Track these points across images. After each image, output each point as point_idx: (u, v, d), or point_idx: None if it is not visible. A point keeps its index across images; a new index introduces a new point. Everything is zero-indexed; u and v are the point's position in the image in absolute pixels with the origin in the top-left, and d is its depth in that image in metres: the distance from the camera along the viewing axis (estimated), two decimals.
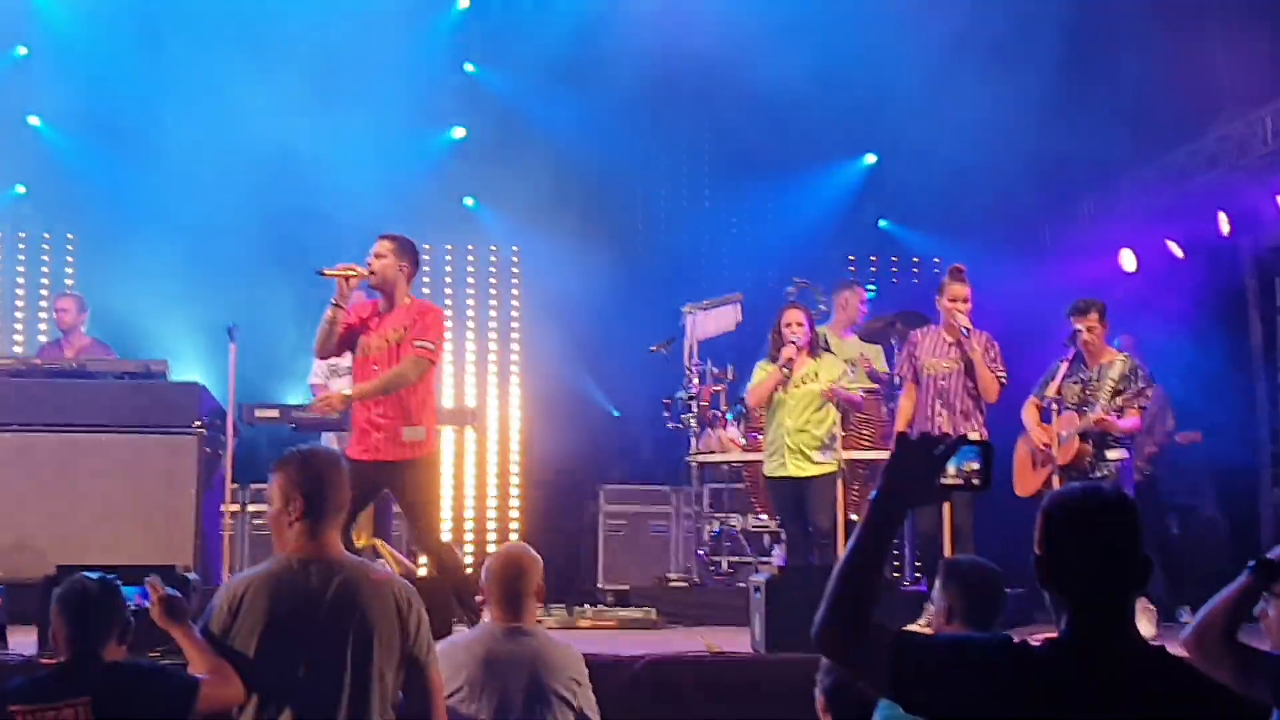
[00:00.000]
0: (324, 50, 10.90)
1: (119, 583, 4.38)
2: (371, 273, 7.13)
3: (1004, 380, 8.44)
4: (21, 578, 7.14)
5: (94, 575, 4.36)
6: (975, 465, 2.83)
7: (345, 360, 9.10)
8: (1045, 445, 8.14)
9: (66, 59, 11.11)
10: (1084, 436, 8.03)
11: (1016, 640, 2.85)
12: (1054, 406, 8.20)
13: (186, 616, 4.32)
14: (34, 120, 11.61)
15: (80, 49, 11.04)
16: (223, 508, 8.76)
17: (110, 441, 8.25)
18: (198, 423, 9.06)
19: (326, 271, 7.08)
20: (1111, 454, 8.06)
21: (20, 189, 11.65)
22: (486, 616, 5.01)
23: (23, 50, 11.44)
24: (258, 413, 8.91)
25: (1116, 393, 7.99)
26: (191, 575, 7.04)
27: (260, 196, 10.82)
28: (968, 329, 8.39)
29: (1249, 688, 3.34)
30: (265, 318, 10.30)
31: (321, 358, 7.50)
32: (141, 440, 8.82)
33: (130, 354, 9.58)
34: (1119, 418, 7.97)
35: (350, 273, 7.07)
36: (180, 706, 4.10)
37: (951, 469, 2.83)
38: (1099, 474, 8.03)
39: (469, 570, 7.33)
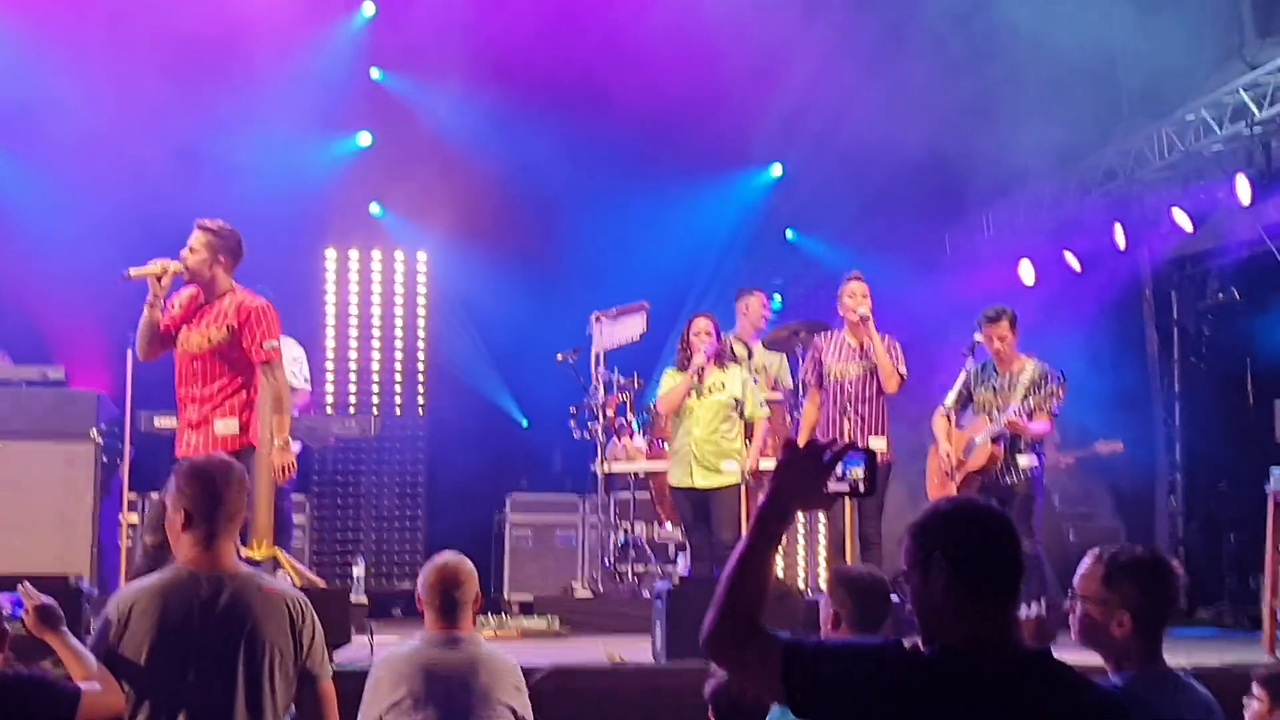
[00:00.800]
0: (230, 54, 10.78)
1: None
2: (186, 268, 6.93)
3: (904, 375, 8.55)
4: None
5: None
6: (860, 472, 2.87)
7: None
8: (948, 457, 8.24)
9: None
10: (995, 440, 8.13)
11: (907, 645, 2.88)
12: (951, 416, 8.34)
13: (62, 623, 4.22)
14: None
15: None
16: (120, 517, 8.62)
17: (6, 449, 8.08)
18: (95, 431, 8.93)
19: (132, 273, 6.86)
20: (1022, 460, 8.17)
21: None
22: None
23: None
24: (157, 421, 8.79)
25: (1027, 397, 8.12)
26: (86, 586, 6.93)
27: (164, 201, 10.66)
28: (867, 316, 8.49)
29: None
30: None
31: (145, 360, 7.24)
32: (38, 448, 8.69)
33: (27, 360, 9.39)
34: (1029, 420, 8.09)
35: (159, 271, 6.85)
36: (61, 716, 3.98)
37: (838, 475, 2.87)
38: (1009, 480, 8.15)
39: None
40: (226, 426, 6.87)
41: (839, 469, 2.87)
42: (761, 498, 2.90)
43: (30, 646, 4.41)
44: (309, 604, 4.29)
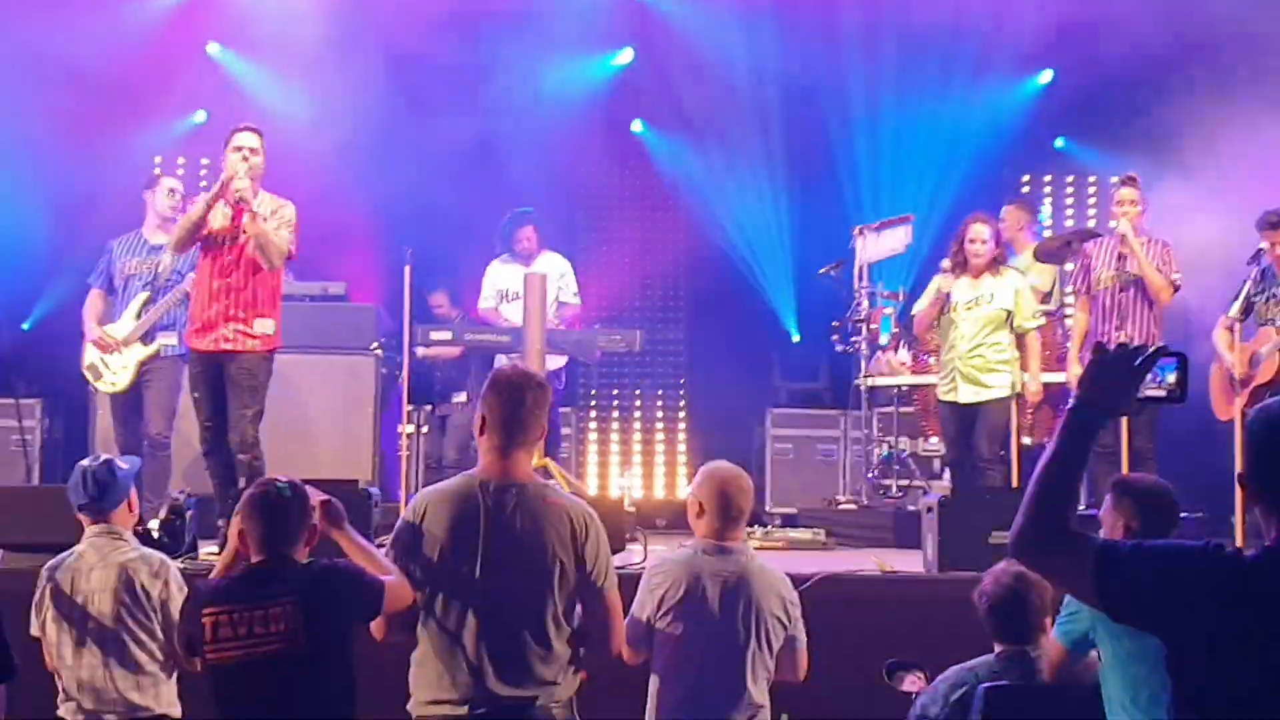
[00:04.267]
0: None
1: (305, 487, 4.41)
2: (251, 168, 7.13)
3: (1177, 283, 8.24)
4: (210, 492, 7.38)
5: (283, 479, 4.40)
6: (1174, 377, 2.82)
7: (515, 285, 9.26)
8: (1233, 369, 7.92)
9: None
10: None
11: (1230, 548, 2.78)
12: (1236, 327, 8.00)
13: (345, 520, 4.41)
14: (214, 49, 11.86)
15: None
16: (399, 428, 8.95)
17: (292, 362, 8.33)
18: (375, 344, 9.27)
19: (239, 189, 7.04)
20: None
21: (200, 116, 11.90)
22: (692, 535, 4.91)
23: None
24: (431, 334, 9.09)
25: None
26: (374, 490, 7.25)
27: (433, 121, 10.95)
28: (1125, 232, 8.19)
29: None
30: (439, 241, 10.45)
31: (178, 251, 7.58)
32: (322, 361, 9.07)
33: (308, 277, 9.76)
34: None
35: (245, 184, 7.06)
36: (373, 606, 4.18)
37: (1150, 380, 2.82)
38: None
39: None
40: (264, 325, 7.15)
41: (1150, 376, 2.82)
42: (1070, 401, 2.85)
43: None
44: (594, 517, 4.33)
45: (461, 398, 10.08)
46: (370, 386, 9.21)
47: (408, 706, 4.26)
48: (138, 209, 8.66)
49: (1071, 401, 2.86)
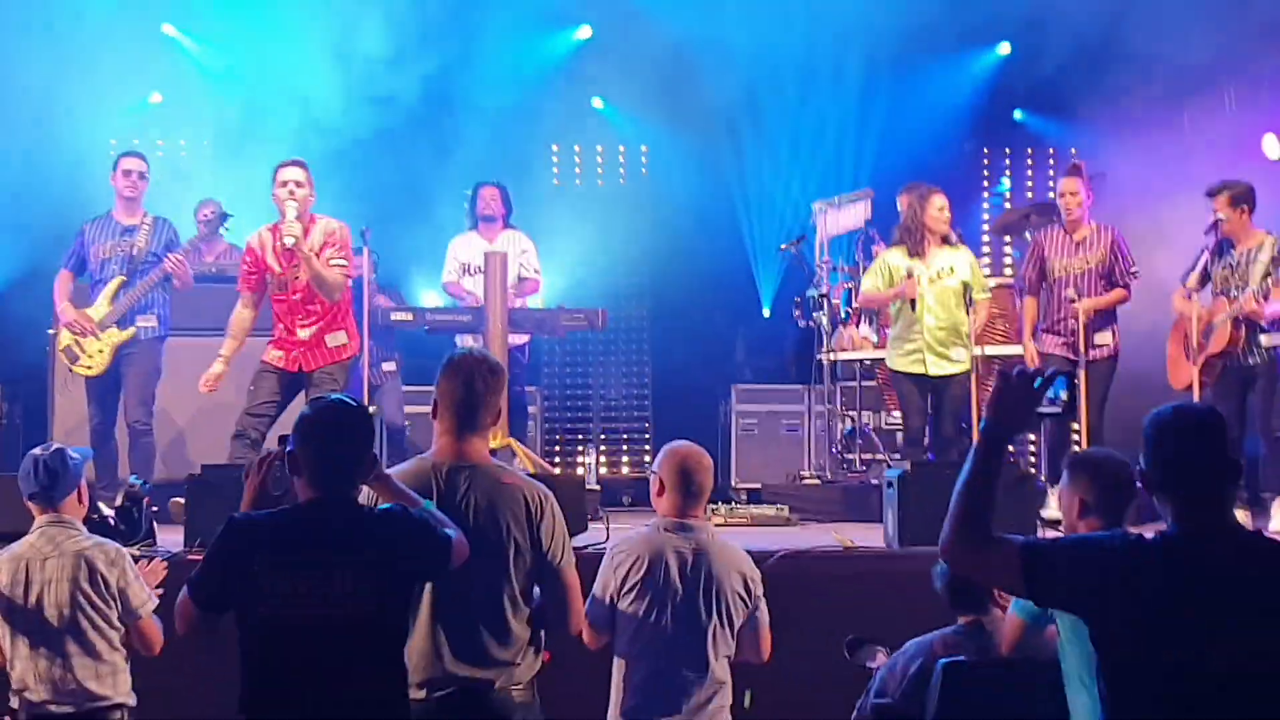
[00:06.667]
0: None
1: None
2: (301, 206, 7.42)
3: (1133, 276, 8.31)
4: (168, 478, 7.34)
5: (337, 396, 3.84)
6: (1065, 394, 3.24)
7: (478, 259, 9.21)
8: (1201, 319, 7.92)
9: None
10: (1235, 322, 7.81)
11: (1133, 535, 3.27)
12: (1194, 297, 8.02)
13: (377, 466, 3.95)
14: (169, 29, 11.73)
15: None
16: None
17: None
18: None
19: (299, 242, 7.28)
20: (1265, 339, 7.84)
21: (156, 97, 11.78)
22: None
23: None
24: (393, 315, 9.03)
25: (1266, 276, 7.77)
26: None
27: (392, 100, 10.85)
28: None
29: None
30: (399, 219, 10.39)
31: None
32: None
33: None
34: (1267, 300, 7.75)
35: (295, 229, 7.32)
36: (443, 563, 3.85)
37: (1047, 398, 3.23)
38: (1252, 360, 7.83)
39: None
40: (335, 339, 7.58)
41: (1047, 393, 3.24)
42: (981, 426, 3.28)
43: None
44: (550, 496, 4.30)
45: (391, 366, 10.08)
46: None
47: None
48: (86, 189, 8.61)
49: (983, 423, 3.27)
